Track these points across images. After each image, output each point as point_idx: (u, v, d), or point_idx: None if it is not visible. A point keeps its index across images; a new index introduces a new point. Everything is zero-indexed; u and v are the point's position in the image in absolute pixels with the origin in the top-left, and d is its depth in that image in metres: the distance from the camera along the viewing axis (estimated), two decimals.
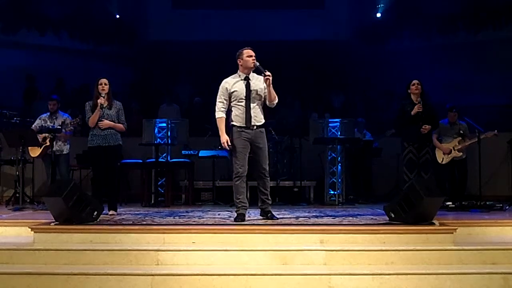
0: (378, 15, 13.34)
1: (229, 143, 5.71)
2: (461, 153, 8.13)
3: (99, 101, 6.47)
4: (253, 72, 5.81)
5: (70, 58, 12.80)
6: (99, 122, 6.49)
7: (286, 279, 4.66)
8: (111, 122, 6.56)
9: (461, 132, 8.14)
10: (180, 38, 13.32)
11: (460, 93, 11.36)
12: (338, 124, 9.04)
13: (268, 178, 5.87)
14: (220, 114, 5.79)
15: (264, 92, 5.78)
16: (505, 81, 11.61)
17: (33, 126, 8.11)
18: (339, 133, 9.01)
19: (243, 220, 5.73)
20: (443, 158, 8.16)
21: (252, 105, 5.73)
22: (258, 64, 5.71)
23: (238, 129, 5.75)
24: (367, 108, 12.22)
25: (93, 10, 13.02)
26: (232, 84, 5.78)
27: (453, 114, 8.23)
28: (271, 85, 5.67)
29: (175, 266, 4.86)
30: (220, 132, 5.77)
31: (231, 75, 5.90)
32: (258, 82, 5.77)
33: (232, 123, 5.80)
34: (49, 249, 5.04)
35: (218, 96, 5.84)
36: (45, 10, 12.68)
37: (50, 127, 7.95)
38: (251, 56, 5.73)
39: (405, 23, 13.21)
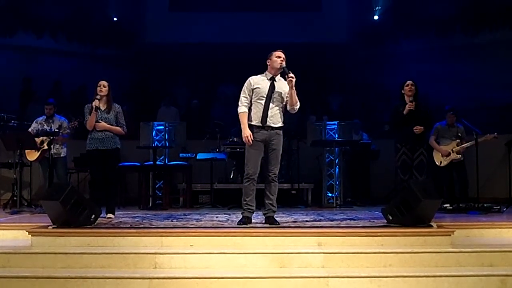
0: (376, 17, 13.35)
1: (252, 138, 5.65)
2: (460, 156, 8.13)
3: (93, 103, 6.47)
4: (280, 75, 5.82)
5: (67, 60, 12.78)
6: (95, 124, 6.49)
7: (284, 282, 4.66)
8: (108, 125, 6.54)
9: (459, 134, 8.15)
10: (178, 41, 13.32)
11: (458, 95, 11.36)
12: (336, 126, 9.06)
13: (276, 183, 5.77)
14: (243, 108, 5.76)
15: (287, 96, 5.76)
16: (503, 83, 11.62)
17: (30, 129, 8.10)
18: (337, 136, 9.02)
19: (247, 223, 5.67)
20: (441, 161, 8.16)
21: (271, 105, 5.70)
22: (284, 65, 5.71)
23: (254, 130, 5.71)
24: (365, 110, 12.24)
25: (90, 12, 13.01)
26: (257, 81, 5.79)
27: (451, 116, 8.23)
28: (293, 88, 5.66)
29: (173, 269, 4.85)
30: (242, 126, 5.72)
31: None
32: (283, 85, 5.77)
33: (248, 122, 5.76)
34: (46, 252, 5.03)
35: (242, 91, 5.82)
36: (42, 12, 12.66)
37: (47, 130, 7.95)
38: (279, 57, 5.74)
39: (403, 25, 13.21)
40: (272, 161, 5.73)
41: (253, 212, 5.82)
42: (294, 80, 5.63)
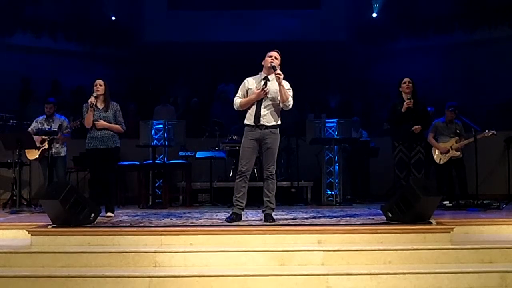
0: (374, 15, 13.34)
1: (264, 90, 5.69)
2: (459, 153, 8.13)
3: (90, 100, 6.46)
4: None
5: (66, 60, 12.77)
6: (95, 122, 6.48)
7: (284, 279, 4.66)
8: (107, 123, 6.53)
9: (458, 131, 8.14)
10: (176, 39, 13.31)
11: (457, 92, 11.36)
12: (335, 124, 9.07)
13: (274, 181, 5.82)
14: (237, 100, 5.86)
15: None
16: (501, 80, 11.63)
17: (29, 129, 8.09)
18: (336, 133, 9.03)
19: (235, 220, 5.73)
20: (440, 158, 8.15)
21: (263, 104, 5.75)
22: (274, 64, 5.74)
23: (248, 129, 5.80)
24: (364, 108, 12.24)
25: (89, 12, 13.00)
26: (251, 82, 5.88)
27: (451, 113, 8.19)
28: (282, 85, 5.67)
29: (173, 268, 4.86)
30: (250, 99, 5.73)
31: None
32: (276, 84, 5.75)
33: (244, 122, 5.85)
34: (46, 251, 5.04)
35: (238, 91, 5.95)
36: (40, 12, 12.66)
37: (47, 129, 7.94)
38: (270, 56, 5.81)
39: (401, 23, 13.22)
40: (268, 159, 5.78)
41: (242, 209, 5.87)
42: (281, 76, 5.65)
